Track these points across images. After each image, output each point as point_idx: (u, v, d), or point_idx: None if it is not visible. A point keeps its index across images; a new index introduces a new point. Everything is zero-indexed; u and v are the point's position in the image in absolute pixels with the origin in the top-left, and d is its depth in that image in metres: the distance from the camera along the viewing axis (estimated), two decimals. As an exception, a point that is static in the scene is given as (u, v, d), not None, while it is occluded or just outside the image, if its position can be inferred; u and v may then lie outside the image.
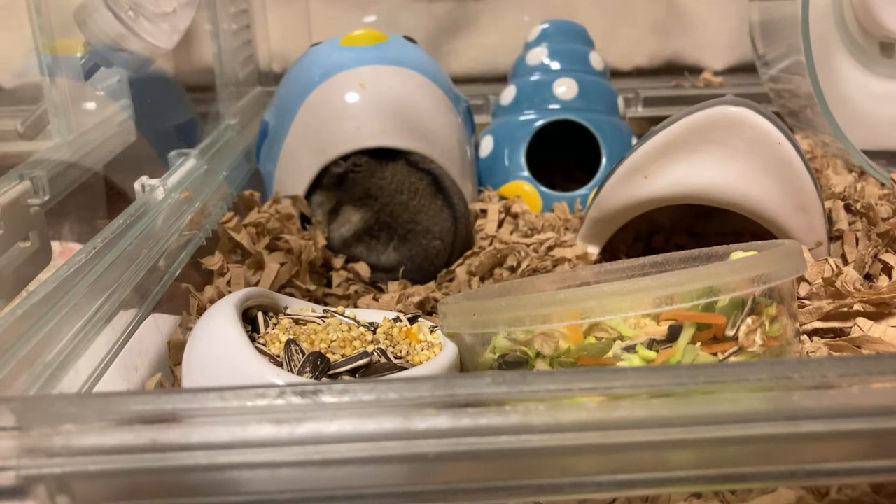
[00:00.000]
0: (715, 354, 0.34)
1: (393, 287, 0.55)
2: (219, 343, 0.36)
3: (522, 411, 0.23)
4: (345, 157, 0.56)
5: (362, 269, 0.56)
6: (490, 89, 0.80)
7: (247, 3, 0.81)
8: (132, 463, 0.23)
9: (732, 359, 0.34)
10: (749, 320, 0.35)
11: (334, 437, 0.23)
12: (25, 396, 0.31)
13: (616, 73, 0.85)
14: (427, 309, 0.51)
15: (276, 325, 0.40)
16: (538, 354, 0.35)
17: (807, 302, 0.44)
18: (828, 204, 0.53)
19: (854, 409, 0.24)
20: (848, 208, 0.53)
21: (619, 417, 0.23)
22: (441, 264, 0.57)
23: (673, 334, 0.34)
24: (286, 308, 0.43)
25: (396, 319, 0.42)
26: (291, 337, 0.38)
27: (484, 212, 0.61)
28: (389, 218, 0.56)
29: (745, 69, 0.85)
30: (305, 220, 0.59)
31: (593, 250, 0.55)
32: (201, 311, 0.46)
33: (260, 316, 0.40)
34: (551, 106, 0.66)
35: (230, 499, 0.23)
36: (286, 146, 0.59)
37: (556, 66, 0.68)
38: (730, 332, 0.34)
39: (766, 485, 0.32)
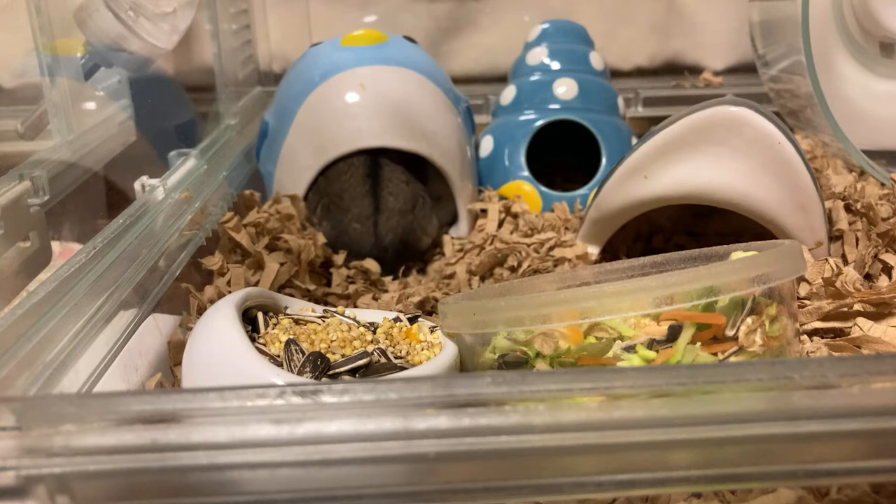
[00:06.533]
0: (715, 354, 0.34)
1: (393, 287, 0.55)
2: (219, 343, 0.36)
3: (522, 411, 0.23)
4: (344, 158, 0.57)
5: (371, 265, 0.56)
6: (490, 89, 0.80)
7: (247, 3, 0.81)
8: (132, 463, 0.23)
9: (732, 359, 0.34)
10: (749, 320, 0.35)
11: (334, 437, 0.23)
12: (25, 396, 0.31)
13: (616, 73, 0.85)
14: (427, 309, 0.51)
15: (276, 325, 0.40)
16: (538, 354, 0.35)
17: (807, 302, 0.44)
18: (828, 204, 0.53)
19: (854, 409, 0.24)
20: (848, 208, 0.53)
21: (619, 417, 0.23)
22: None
23: (673, 334, 0.34)
24: (286, 308, 0.43)
25: (396, 319, 0.42)
26: (291, 337, 0.38)
27: (484, 212, 0.61)
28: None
29: (745, 69, 0.85)
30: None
31: (593, 250, 0.55)
32: (201, 311, 0.46)
33: (260, 316, 0.40)
34: (551, 106, 0.66)
35: (230, 499, 0.23)
36: (286, 146, 0.59)
37: (556, 66, 0.68)
38: (730, 332, 0.34)
39: (766, 485, 0.32)
